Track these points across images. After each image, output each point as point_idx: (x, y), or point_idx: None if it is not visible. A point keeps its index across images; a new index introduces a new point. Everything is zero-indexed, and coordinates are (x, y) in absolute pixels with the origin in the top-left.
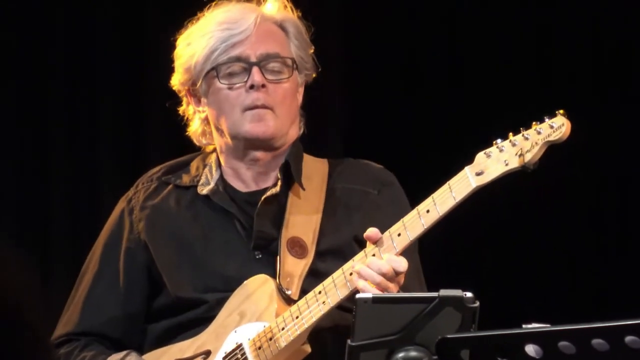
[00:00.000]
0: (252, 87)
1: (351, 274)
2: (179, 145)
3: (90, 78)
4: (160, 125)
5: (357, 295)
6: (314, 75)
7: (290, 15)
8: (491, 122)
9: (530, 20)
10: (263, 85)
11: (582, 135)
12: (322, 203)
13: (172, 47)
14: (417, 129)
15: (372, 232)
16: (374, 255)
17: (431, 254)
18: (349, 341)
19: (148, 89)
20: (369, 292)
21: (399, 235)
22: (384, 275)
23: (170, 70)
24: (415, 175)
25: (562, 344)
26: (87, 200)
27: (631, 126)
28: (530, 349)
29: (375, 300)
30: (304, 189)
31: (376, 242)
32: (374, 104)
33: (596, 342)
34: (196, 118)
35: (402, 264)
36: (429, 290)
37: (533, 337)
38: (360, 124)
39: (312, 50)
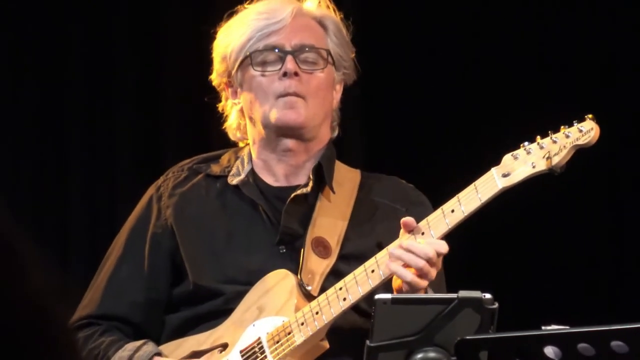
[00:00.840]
0: (285, 74)
1: (372, 271)
2: (196, 142)
3: (107, 76)
4: (177, 123)
5: (376, 296)
6: (354, 78)
7: (331, 14)
8: (518, 125)
9: (557, 22)
10: (296, 74)
11: (607, 137)
12: (350, 211)
13: (191, 47)
14: (442, 131)
15: (409, 219)
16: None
17: (450, 255)
18: (367, 342)
19: (165, 87)
20: (404, 276)
21: (422, 234)
22: (429, 260)
23: (188, 69)
24: (440, 177)
25: (582, 345)
26: (105, 198)
27: None
28: (550, 350)
29: (395, 301)
30: (334, 193)
31: (412, 230)
32: (397, 105)
33: (615, 344)
34: (233, 111)
35: (445, 246)
36: (448, 292)
37: (552, 339)
38: (383, 124)
39: (353, 54)
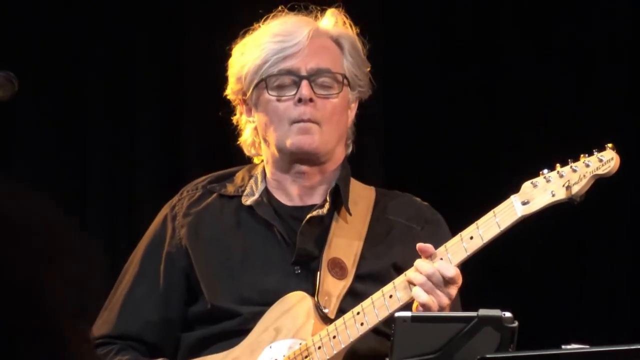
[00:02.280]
0: (299, 100)
1: (390, 296)
2: (217, 158)
3: (129, 91)
4: (198, 138)
5: (397, 314)
6: (369, 93)
7: (347, 32)
8: (538, 151)
9: (577, 47)
10: (311, 100)
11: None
12: (365, 230)
13: (216, 57)
14: (462, 153)
15: (426, 245)
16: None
17: (470, 273)
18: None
19: (187, 95)
20: (420, 296)
21: (441, 259)
22: (428, 277)
23: (209, 79)
24: (458, 203)
25: None
26: (124, 215)
27: None
28: None
29: (415, 319)
30: (351, 215)
31: (429, 256)
32: (416, 127)
33: None
34: (247, 128)
35: (451, 270)
36: (468, 310)
37: (572, 358)
38: (401, 148)
39: (368, 69)
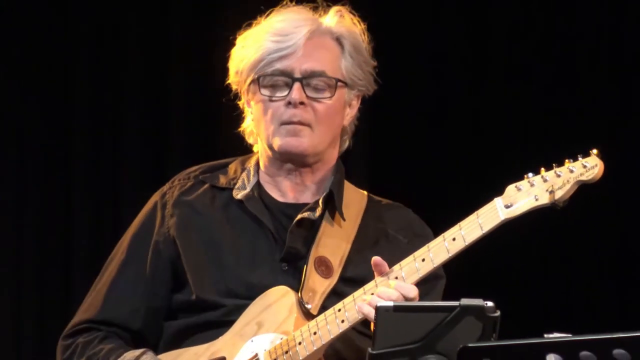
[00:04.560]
0: (290, 103)
1: (372, 294)
2: (203, 149)
3: (115, 83)
4: (184, 130)
5: (379, 304)
6: (373, 89)
7: (350, 30)
8: (521, 154)
9: (562, 54)
10: (302, 103)
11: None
12: (354, 234)
13: (203, 50)
14: (446, 159)
15: (378, 259)
16: (396, 278)
17: (452, 264)
18: (369, 349)
19: (173, 87)
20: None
21: (423, 260)
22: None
23: (196, 71)
24: (441, 204)
25: (584, 353)
26: (110, 203)
27: None
28: (552, 358)
29: (397, 308)
30: (344, 220)
31: (382, 273)
32: (401, 132)
33: (617, 352)
34: (248, 116)
35: (412, 291)
36: (450, 299)
37: (554, 347)
38: (385, 153)
39: (373, 65)
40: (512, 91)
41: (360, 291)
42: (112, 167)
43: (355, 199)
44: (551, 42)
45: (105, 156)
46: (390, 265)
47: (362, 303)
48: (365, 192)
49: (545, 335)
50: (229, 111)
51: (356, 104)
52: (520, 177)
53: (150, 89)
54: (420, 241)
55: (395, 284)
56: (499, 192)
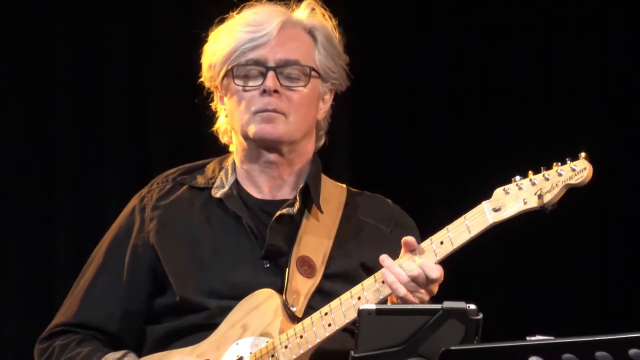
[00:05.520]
0: (264, 91)
1: (359, 298)
2: (186, 149)
3: (95, 77)
4: (166, 129)
5: (361, 307)
6: (346, 85)
7: (322, 23)
8: (510, 156)
9: (557, 53)
10: (276, 91)
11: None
12: (335, 229)
13: (183, 46)
14: (433, 155)
15: (410, 238)
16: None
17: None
18: (352, 352)
19: (153, 89)
20: (397, 289)
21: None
22: (414, 279)
23: (176, 70)
24: (428, 206)
25: (566, 356)
26: (93, 204)
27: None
28: None
29: (379, 311)
30: (322, 213)
31: (413, 250)
32: (386, 129)
33: (600, 354)
34: (221, 115)
35: (435, 272)
36: (433, 302)
37: (537, 350)
38: (368, 150)
39: (345, 62)
40: (500, 90)
41: (347, 294)
42: (96, 169)
43: (334, 192)
44: (535, 42)
45: (89, 157)
46: (376, 258)
47: (387, 272)
48: (345, 186)
49: (528, 338)
50: (212, 109)
51: (329, 98)
52: (507, 179)
53: (133, 88)
54: (402, 230)
55: (421, 262)
56: (486, 194)
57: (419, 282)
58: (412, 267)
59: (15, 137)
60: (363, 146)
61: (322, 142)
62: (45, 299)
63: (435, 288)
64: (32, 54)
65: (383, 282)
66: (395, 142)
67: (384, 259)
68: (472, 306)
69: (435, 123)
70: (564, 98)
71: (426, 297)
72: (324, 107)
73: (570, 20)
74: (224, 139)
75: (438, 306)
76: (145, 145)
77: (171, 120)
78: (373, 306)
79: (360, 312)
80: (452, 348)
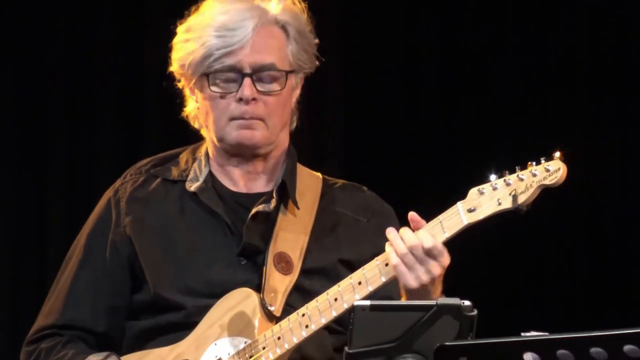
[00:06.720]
0: (241, 99)
1: (335, 300)
2: (176, 134)
3: (89, 68)
4: (159, 123)
5: (356, 303)
6: (315, 66)
7: (293, 14)
8: (487, 149)
9: (533, 51)
10: (253, 99)
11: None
12: (312, 223)
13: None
14: (419, 153)
15: (414, 215)
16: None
17: None
18: (346, 348)
19: (147, 79)
20: (392, 259)
21: (386, 265)
22: (410, 248)
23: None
24: (417, 198)
25: (561, 352)
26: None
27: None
28: (529, 357)
29: (373, 307)
30: (298, 209)
31: (418, 228)
32: (374, 125)
33: (595, 350)
34: (190, 101)
35: (429, 240)
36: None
37: (531, 346)
38: (359, 145)
39: (315, 43)
40: (483, 88)
41: (324, 296)
42: (88, 163)
43: (310, 184)
44: (520, 40)
45: (81, 150)
46: (354, 252)
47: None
48: (320, 175)
49: (523, 334)
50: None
51: (300, 82)
52: (488, 172)
53: (125, 78)
54: (378, 219)
55: (420, 232)
56: (462, 194)
57: (416, 253)
58: (409, 237)
59: (9, 138)
60: (356, 139)
61: (294, 125)
62: (38, 303)
63: (435, 269)
64: (26, 51)
65: (359, 283)
66: (388, 135)
67: (390, 231)
68: (467, 302)
69: (429, 116)
70: (555, 95)
71: (425, 277)
72: (295, 94)
73: (561, 16)
74: (195, 124)
75: (432, 302)
76: (141, 145)
77: (167, 120)
78: (367, 302)
79: (355, 308)
80: (447, 344)
